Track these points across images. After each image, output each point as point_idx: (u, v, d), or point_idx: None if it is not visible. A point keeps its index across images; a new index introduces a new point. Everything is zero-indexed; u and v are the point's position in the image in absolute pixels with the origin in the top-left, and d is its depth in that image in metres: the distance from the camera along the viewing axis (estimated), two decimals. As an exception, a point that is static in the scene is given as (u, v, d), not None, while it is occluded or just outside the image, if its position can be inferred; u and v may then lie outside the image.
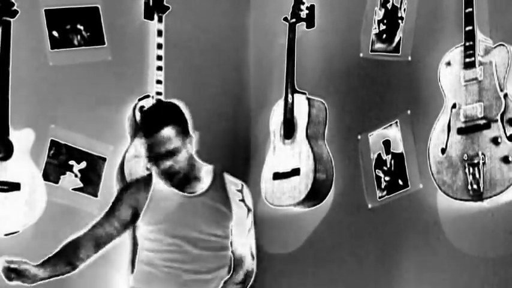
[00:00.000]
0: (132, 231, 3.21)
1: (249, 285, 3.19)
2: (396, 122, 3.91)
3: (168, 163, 3.01)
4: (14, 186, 3.85)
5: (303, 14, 4.38)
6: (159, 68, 4.30)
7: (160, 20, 4.37)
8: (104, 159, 4.24)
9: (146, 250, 3.13)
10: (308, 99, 4.24)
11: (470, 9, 3.41)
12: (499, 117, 3.31)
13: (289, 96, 4.29)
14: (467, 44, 3.42)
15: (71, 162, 4.16)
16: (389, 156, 3.94)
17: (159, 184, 3.13)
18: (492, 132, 3.32)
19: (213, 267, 3.11)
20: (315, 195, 4.16)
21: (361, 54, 4.14)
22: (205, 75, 4.67)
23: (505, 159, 3.27)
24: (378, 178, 3.97)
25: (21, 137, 3.90)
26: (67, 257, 3.03)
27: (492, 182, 3.30)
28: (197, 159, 3.15)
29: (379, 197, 3.96)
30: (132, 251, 3.65)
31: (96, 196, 4.16)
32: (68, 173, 4.15)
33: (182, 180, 3.08)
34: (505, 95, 3.32)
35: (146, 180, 3.19)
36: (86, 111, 4.22)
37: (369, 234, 4.02)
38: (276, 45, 4.61)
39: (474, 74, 3.41)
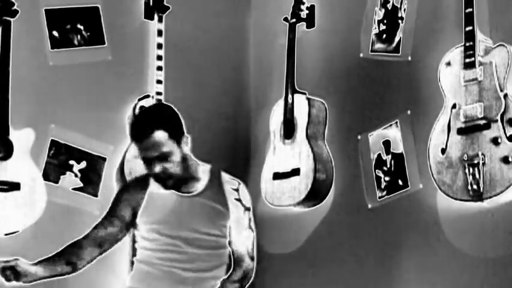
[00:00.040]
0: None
1: (247, 285, 3.19)
2: (396, 122, 3.91)
3: (160, 167, 3.01)
4: (14, 186, 3.85)
5: (303, 14, 4.38)
6: (159, 68, 4.30)
7: (160, 20, 4.37)
8: (104, 159, 4.24)
9: (144, 249, 3.13)
10: (308, 99, 4.24)
11: (470, 10, 3.41)
12: (499, 118, 3.31)
13: (289, 96, 4.29)
14: (467, 44, 3.42)
15: (71, 162, 4.16)
16: (389, 156, 3.94)
17: (156, 184, 3.14)
18: (492, 132, 3.32)
19: (210, 265, 3.11)
20: (314, 195, 4.16)
21: (361, 54, 4.14)
22: (205, 75, 4.67)
23: (505, 160, 3.27)
24: (378, 178, 3.97)
25: (21, 137, 3.90)
26: (66, 257, 3.03)
27: (492, 182, 3.30)
28: (193, 159, 3.15)
29: (379, 197, 3.97)
30: (132, 251, 3.64)
31: (96, 196, 4.16)
32: (68, 172, 4.15)
33: (176, 183, 3.08)
34: (505, 95, 3.32)
35: (144, 180, 3.19)
36: (86, 111, 4.22)
37: (368, 234, 4.02)
38: (276, 45, 4.61)
39: (474, 74, 3.41)
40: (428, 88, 3.70)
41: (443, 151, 3.48)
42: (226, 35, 4.82)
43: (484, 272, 3.48)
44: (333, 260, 4.19)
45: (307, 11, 4.39)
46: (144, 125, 3.03)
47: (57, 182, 4.11)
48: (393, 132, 3.93)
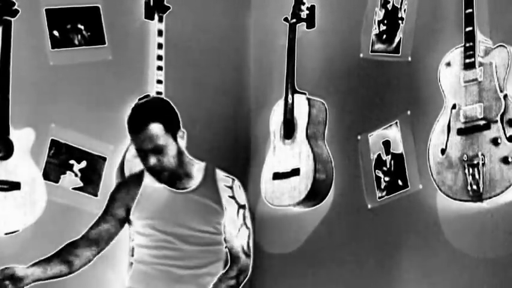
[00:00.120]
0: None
1: (243, 281, 3.19)
2: (396, 123, 3.91)
3: (154, 160, 3.01)
4: (14, 186, 3.85)
5: (303, 14, 4.38)
6: (160, 68, 4.31)
7: (160, 20, 4.37)
8: (104, 159, 4.24)
9: (140, 247, 3.14)
10: (308, 99, 4.25)
11: (471, 10, 3.41)
12: (498, 118, 3.31)
13: (289, 96, 4.29)
14: (467, 44, 3.42)
15: (71, 162, 4.16)
16: (389, 156, 3.94)
17: (150, 180, 3.14)
18: (492, 133, 3.33)
19: (205, 262, 3.11)
20: (314, 195, 4.17)
21: (361, 55, 4.14)
22: (205, 75, 4.68)
23: (505, 160, 3.27)
24: (378, 178, 3.98)
25: (21, 137, 3.90)
26: (63, 257, 3.02)
27: (492, 182, 3.30)
28: (188, 156, 3.15)
29: (379, 198, 3.97)
30: (130, 251, 3.64)
31: (96, 195, 4.17)
32: (68, 172, 4.15)
33: (170, 177, 3.08)
34: (505, 96, 3.32)
35: (138, 176, 3.20)
36: (86, 110, 4.22)
37: (368, 234, 4.02)
38: (276, 45, 4.61)
39: (474, 75, 3.41)
40: (428, 88, 3.70)
41: (443, 151, 3.48)
42: (226, 35, 4.82)
43: (483, 272, 3.48)
44: (332, 260, 4.19)
45: (308, 11, 4.39)
46: (140, 117, 3.03)
47: (57, 182, 4.11)
48: (393, 133, 3.93)
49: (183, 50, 4.57)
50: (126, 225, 3.18)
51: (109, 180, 4.21)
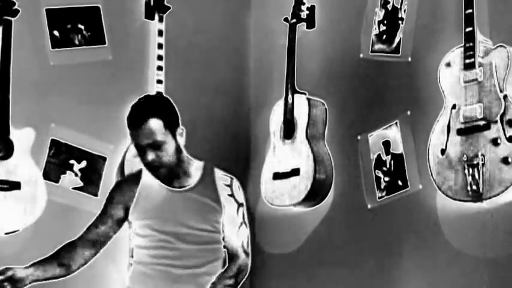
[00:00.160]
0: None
1: (243, 280, 3.19)
2: (396, 123, 3.92)
3: (152, 155, 3.01)
4: (14, 185, 3.85)
5: (304, 14, 4.38)
6: (160, 68, 4.31)
7: (161, 20, 4.38)
8: (104, 159, 4.24)
9: (139, 247, 3.14)
10: (308, 99, 4.25)
11: (470, 11, 3.41)
12: (498, 118, 3.31)
13: (290, 96, 4.29)
14: (467, 45, 3.42)
15: (71, 162, 4.17)
16: (389, 156, 3.94)
17: (148, 179, 3.14)
18: (492, 133, 3.33)
19: (204, 261, 3.11)
20: (314, 195, 4.17)
21: (361, 55, 4.14)
22: (205, 75, 4.68)
23: (505, 160, 3.27)
24: (378, 178, 3.98)
25: (21, 136, 3.90)
26: (60, 258, 3.03)
27: (491, 182, 3.30)
28: (187, 155, 3.15)
29: (379, 198, 3.97)
30: (130, 251, 3.65)
31: (96, 195, 4.17)
32: (68, 172, 4.15)
33: (167, 173, 3.08)
34: (505, 96, 3.32)
35: (135, 176, 3.21)
36: (86, 110, 4.23)
37: (368, 234, 4.02)
38: (277, 45, 4.61)
39: (474, 75, 3.41)
40: (428, 89, 3.70)
41: (443, 152, 3.49)
42: (226, 35, 4.83)
43: (483, 272, 3.48)
44: (332, 260, 4.19)
45: (308, 12, 4.39)
46: (140, 112, 3.04)
47: (57, 182, 4.12)
48: (393, 133, 3.93)
49: (183, 50, 4.58)
50: (126, 225, 3.19)
51: (109, 180, 4.21)
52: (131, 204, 3.13)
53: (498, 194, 3.29)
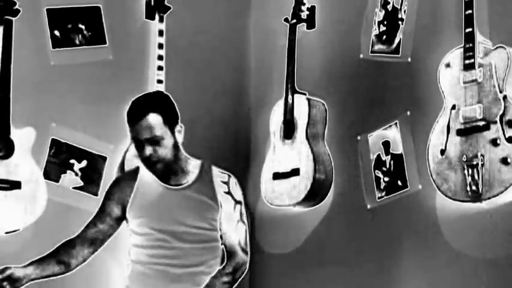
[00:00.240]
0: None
1: (240, 278, 3.19)
2: (396, 123, 3.92)
3: (150, 150, 3.02)
4: (15, 185, 3.86)
5: (304, 15, 4.39)
6: (160, 68, 4.31)
7: (161, 20, 4.38)
8: (105, 158, 4.25)
9: (136, 247, 3.14)
10: (308, 99, 4.25)
11: (470, 11, 3.42)
12: (498, 119, 3.32)
13: (290, 96, 4.30)
14: (466, 45, 3.43)
15: (72, 161, 4.17)
16: (389, 157, 3.95)
17: (145, 176, 3.15)
18: (491, 133, 3.33)
19: (202, 259, 3.11)
20: (314, 195, 4.17)
21: (361, 55, 4.15)
22: (205, 75, 4.68)
23: (504, 161, 3.28)
24: (377, 179, 3.98)
25: (22, 136, 3.91)
26: (58, 256, 3.04)
27: (491, 183, 3.30)
28: (184, 153, 3.16)
29: (378, 198, 3.97)
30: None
31: (96, 195, 4.17)
32: (68, 171, 4.16)
33: (164, 169, 3.08)
34: (504, 97, 3.33)
35: (132, 173, 3.21)
36: (86, 110, 4.23)
37: (367, 234, 4.02)
38: (277, 46, 4.62)
39: (473, 76, 3.42)
40: (428, 89, 3.71)
41: (442, 152, 3.49)
42: (226, 36, 4.83)
43: (482, 273, 3.49)
44: (332, 260, 4.19)
45: (308, 12, 4.40)
46: (139, 107, 3.05)
47: (57, 181, 4.12)
48: (393, 133, 3.94)
49: (184, 50, 4.58)
50: (124, 223, 3.19)
51: (109, 179, 4.19)
52: (129, 201, 3.13)
53: (497, 195, 3.30)
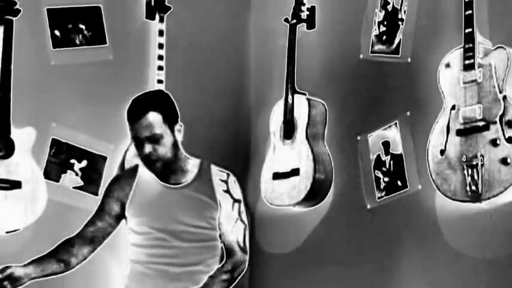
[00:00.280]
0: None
1: (238, 277, 3.19)
2: (395, 123, 3.92)
3: (150, 148, 3.02)
4: (15, 185, 3.86)
5: (304, 15, 4.39)
6: (160, 68, 4.32)
7: (161, 20, 4.38)
8: (105, 158, 4.25)
9: (135, 246, 3.15)
10: (308, 99, 4.26)
11: (470, 12, 3.42)
12: (497, 119, 3.32)
13: (290, 96, 4.30)
14: (466, 46, 3.43)
15: (72, 161, 4.18)
16: (389, 157, 3.95)
17: (144, 175, 3.15)
18: (491, 134, 3.34)
19: (201, 258, 3.12)
20: (314, 195, 4.18)
21: (361, 56, 4.15)
22: (206, 75, 4.69)
23: (504, 161, 3.28)
24: (377, 179, 3.98)
25: (22, 136, 3.91)
26: (58, 255, 3.05)
27: (491, 183, 3.31)
28: (183, 152, 3.16)
29: (378, 198, 3.98)
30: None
31: (96, 195, 4.17)
32: (68, 171, 4.16)
33: (163, 168, 3.08)
34: (504, 97, 3.33)
35: (131, 172, 3.22)
36: (87, 110, 4.24)
37: (367, 234, 4.03)
38: (277, 46, 4.62)
39: (473, 76, 3.42)
40: (428, 89, 3.71)
41: (442, 152, 3.50)
42: (227, 36, 4.83)
43: (482, 273, 3.49)
44: (332, 260, 4.20)
45: (308, 12, 4.40)
46: (139, 105, 3.06)
47: (58, 181, 4.13)
48: (392, 133, 3.94)
49: (184, 50, 4.59)
50: (124, 221, 3.20)
51: (109, 179, 4.20)
52: (127, 199, 3.14)
53: (497, 195, 3.30)
